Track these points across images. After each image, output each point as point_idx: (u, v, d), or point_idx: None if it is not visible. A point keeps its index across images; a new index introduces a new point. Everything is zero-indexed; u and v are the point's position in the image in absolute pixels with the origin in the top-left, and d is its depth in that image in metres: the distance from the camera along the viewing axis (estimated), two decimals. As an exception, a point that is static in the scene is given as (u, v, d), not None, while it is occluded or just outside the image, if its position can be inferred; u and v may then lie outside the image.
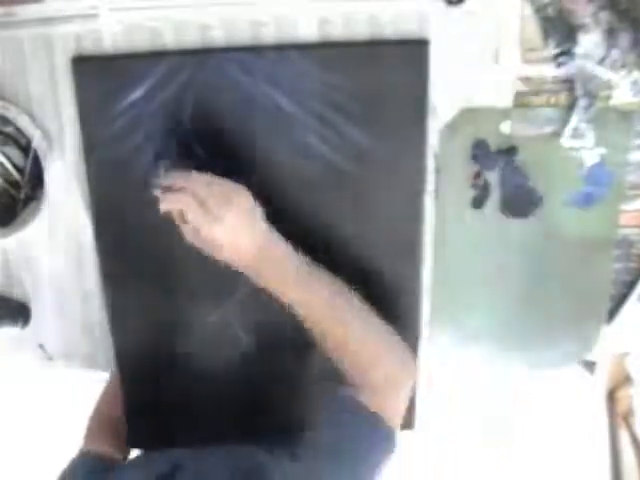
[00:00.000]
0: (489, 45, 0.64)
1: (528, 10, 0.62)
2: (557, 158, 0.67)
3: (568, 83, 0.65)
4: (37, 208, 0.67)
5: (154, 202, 0.67)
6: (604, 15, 0.61)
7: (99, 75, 0.63)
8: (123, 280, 0.70)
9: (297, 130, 0.64)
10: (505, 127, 0.66)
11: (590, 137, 0.66)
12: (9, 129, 0.66)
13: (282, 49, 0.63)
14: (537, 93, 0.66)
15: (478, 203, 0.69)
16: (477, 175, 0.68)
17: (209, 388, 0.74)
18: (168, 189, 0.57)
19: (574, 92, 0.64)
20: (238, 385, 0.74)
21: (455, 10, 0.63)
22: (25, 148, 0.66)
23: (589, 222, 0.70)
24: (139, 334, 0.72)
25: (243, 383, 0.73)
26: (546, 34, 0.63)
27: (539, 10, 0.62)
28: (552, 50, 0.63)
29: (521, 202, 0.69)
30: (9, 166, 0.67)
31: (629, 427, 1.37)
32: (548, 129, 0.67)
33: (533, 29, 0.63)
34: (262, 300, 0.70)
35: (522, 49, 0.64)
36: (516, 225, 0.70)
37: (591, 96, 0.64)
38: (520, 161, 0.67)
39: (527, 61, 0.64)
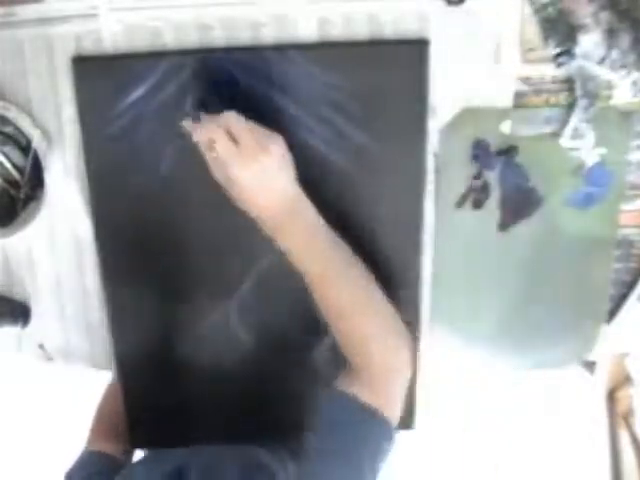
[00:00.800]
0: (489, 45, 0.64)
1: (528, 10, 0.62)
2: (557, 158, 0.67)
3: (568, 83, 0.65)
4: (37, 208, 0.67)
5: (154, 201, 0.67)
6: (604, 15, 0.61)
7: (99, 75, 0.63)
8: (123, 280, 0.70)
9: (297, 130, 0.64)
10: (505, 127, 0.66)
11: (590, 137, 0.66)
12: (9, 129, 0.66)
13: (282, 49, 0.63)
14: (537, 93, 0.66)
15: (478, 203, 0.69)
16: (477, 175, 0.68)
17: (209, 388, 0.74)
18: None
19: (574, 92, 0.64)
20: (238, 385, 0.74)
21: (455, 10, 0.63)
22: (25, 148, 0.66)
23: (589, 222, 0.70)
24: (139, 334, 0.72)
25: (243, 383, 0.73)
26: (546, 34, 0.62)
27: (539, 10, 0.62)
28: (552, 50, 0.63)
29: (521, 202, 0.69)
30: (9, 166, 0.67)
31: (629, 427, 1.37)
32: (548, 129, 0.67)
33: (533, 29, 0.63)
34: (262, 300, 0.70)
35: (522, 49, 0.64)
36: (516, 225, 0.70)
37: (591, 96, 0.64)
38: (520, 161, 0.67)
39: (527, 61, 0.64)
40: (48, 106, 0.65)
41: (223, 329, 0.71)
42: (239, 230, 0.68)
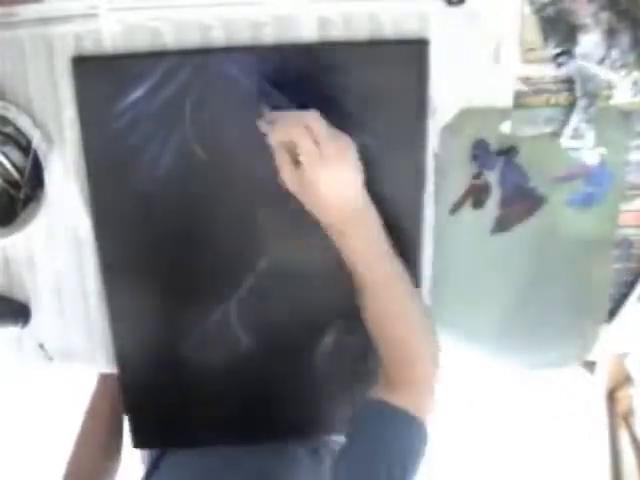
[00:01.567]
0: (489, 45, 0.64)
1: (528, 10, 0.62)
2: (557, 158, 0.67)
3: (568, 83, 0.65)
4: (37, 208, 0.67)
5: (154, 202, 0.67)
6: (604, 15, 0.61)
7: (99, 75, 0.63)
8: (123, 280, 0.70)
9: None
10: (505, 127, 0.66)
11: (590, 137, 0.66)
12: (9, 129, 0.66)
13: (282, 49, 0.63)
14: (537, 93, 0.66)
15: (478, 203, 0.69)
16: (477, 175, 0.68)
17: (209, 388, 0.74)
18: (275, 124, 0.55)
19: (574, 92, 0.64)
20: (238, 385, 0.74)
21: (455, 10, 0.63)
22: (25, 148, 0.66)
23: (589, 222, 0.70)
24: (139, 334, 0.72)
25: (243, 383, 0.73)
26: (546, 34, 0.63)
27: (539, 10, 0.62)
28: (552, 50, 0.63)
29: (521, 202, 0.69)
30: (9, 166, 0.67)
31: (629, 427, 1.37)
32: (548, 129, 0.67)
33: (533, 29, 0.63)
34: (262, 300, 0.70)
35: (522, 49, 0.64)
36: (516, 225, 0.70)
37: (591, 96, 0.64)
38: (520, 161, 0.67)
39: (527, 61, 0.64)
40: (48, 106, 0.65)
41: (223, 329, 0.71)
42: (239, 230, 0.68)
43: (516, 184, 0.68)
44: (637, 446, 1.36)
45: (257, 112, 0.60)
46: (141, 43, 0.64)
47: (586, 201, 0.69)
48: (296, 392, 0.74)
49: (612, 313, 0.75)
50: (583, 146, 0.66)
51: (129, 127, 0.64)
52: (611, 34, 0.62)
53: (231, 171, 0.66)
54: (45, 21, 0.63)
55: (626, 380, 1.31)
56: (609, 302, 0.74)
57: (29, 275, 0.72)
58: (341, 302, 0.70)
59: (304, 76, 0.63)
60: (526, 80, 0.65)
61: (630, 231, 0.71)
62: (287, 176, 0.57)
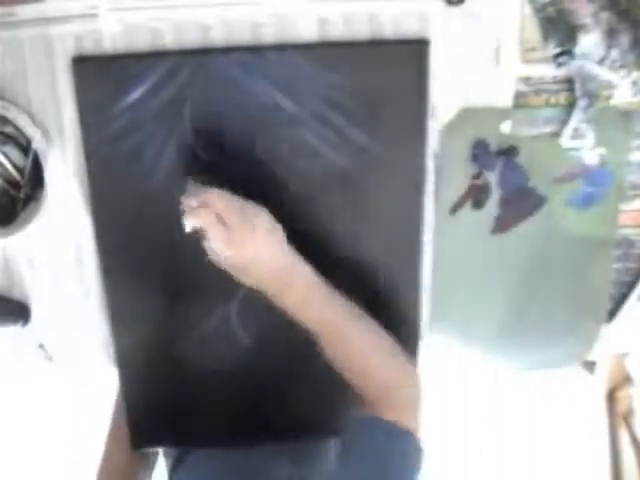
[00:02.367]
0: (489, 45, 0.64)
1: (528, 10, 0.62)
2: (557, 158, 0.67)
3: (568, 83, 0.65)
4: (37, 208, 0.67)
5: (153, 202, 0.67)
6: (604, 15, 0.61)
7: (99, 75, 0.63)
8: (123, 280, 0.70)
9: (297, 130, 0.64)
10: (505, 127, 0.66)
11: (590, 137, 0.66)
12: (9, 129, 0.66)
13: (282, 49, 0.63)
14: (537, 93, 0.66)
15: (478, 203, 0.69)
16: (477, 175, 0.68)
17: (209, 388, 0.74)
18: (191, 206, 0.57)
19: (574, 92, 0.64)
20: (238, 385, 0.74)
21: (455, 10, 0.63)
22: (25, 148, 0.66)
23: (589, 222, 0.70)
24: (139, 334, 0.72)
25: (243, 384, 0.73)
26: (546, 34, 0.63)
27: (539, 10, 0.62)
28: (552, 50, 0.63)
29: (521, 202, 0.69)
30: (9, 166, 0.67)
31: (629, 427, 1.37)
32: (548, 129, 0.67)
33: (533, 29, 0.63)
34: (262, 300, 0.70)
35: (522, 49, 0.64)
36: (516, 225, 0.70)
37: (591, 96, 0.64)
38: (520, 161, 0.67)
39: (527, 61, 0.64)
40: (48, 106, 0.65)
41: (223, 330, 0.71)
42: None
43: (516, 184, 0.68)
44: (637, 446, 1.36)
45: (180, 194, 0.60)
46: (141, 43, 0.64)
47: (586, 201, 0.69)
48: (296, 392, 0.74)
49: (612, 313, 0.75)
50: (583, 146, 0.66)
51: (129, 127, 0.64)
52: (611, 34, 0.62)
53: (231, 171, 0.66)
54: (45, 21, 0.63)
55: (626, 380, 1.31)
56: (609, 302, 0.74)
57: (29, 275, 0.72)
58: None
59: (304, 76, 0.63)
60: (526, 80, 0.65)
61: (630, 231, 0.71)
62: (213, 257, 0.59)
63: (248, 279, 0.60)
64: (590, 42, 0.62)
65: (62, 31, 0.63)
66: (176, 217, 0.68)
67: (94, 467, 0.77)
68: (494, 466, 1.59)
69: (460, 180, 0.68)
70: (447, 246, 0.71)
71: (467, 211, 0.69)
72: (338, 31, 0.63)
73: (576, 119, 0.65)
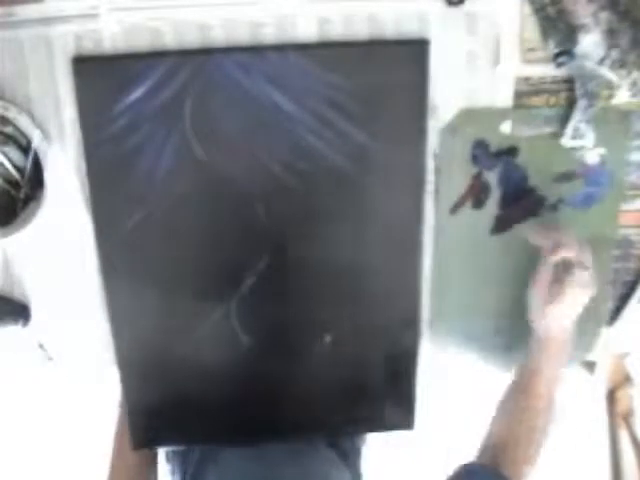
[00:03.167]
0: (489, 45, 0.64)
1: (528, 10, 0.62)
2: (557, 158, 0.67)
3: (568, 83, 0.65)
4: (37, 208, 0.67)
5: (153, 201, 0.67)
6: (604, 15, 0.61)
7: (99, 75, 0.63)
8: (123, 279, 0.70)
9: (297, 130, 0.64)
10: (505, 127, 0.66)
11: (590, 137, 0.66)
12: (9, 129, 0.66)
13: (282, 49, 0.63)
14: (537, 93, 0.66)
15: (478, 203, 0.69)
16: (477, 175, 0.68)
17: (209, 388, 0.74)
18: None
19: (574, 92, 0.64)
20: (238, 385, 0.74)
21: (455, 10, 0.63)
22: (25, 148, 0.66)
23: (589, 222, 0.70)
24: (139, 334, 0.72)
25: (243, 383, 0.73)
26: (546, 34, 0.62)
27: (539, 10, 0.62)
28: (552, 50, 0.63)
29: (521, 202, 0.69)
30: (9, 166, 0.67)
31: (629, 427, 1.37)
32: (548, 129, 0.67)
33: (533, 29, 0.63)
34: (263, 300, 0.70)
35: (522, 49, 0.64)
36: (516, 225, 0.70)
37: (591, 96, 0.64)
38: (520, 161, 0.67)
39: (527, 61, 0.64)
40: (48, 106, 0.65)
41: (223, 329, 0.71)
42: (239, 230, 0.68)
43: (516, 184, 0.68)
44: (637, 446, 1.36)
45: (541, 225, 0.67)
46: (141, 43, 0.64)
47: (586, 201, 0.69)
48: (296, 392, 0.74)
49: (612, 314, 0.75)
50: (583, 146, 0.66)
51: (129, 127, 0.64)
52: (611, 34, 0.62)
53: (231, 171, 0.66)
54: (45, 21, 0.63)
55: (626, 380, 1.31)
56: (609, 302, 0.74)
57: (29, 275, 0.72)
58: (341, 302, 0.70)
59: (304, 76, 0.63)
60: (526, 80, 0.65)
61: (630, 231, 0.71)
62: (541, 289, 0.64)
63: (560, 321, 0.64)
64: (590, 42, 0.62)
65: (62, 31, 0.63)
66: (176, 217, 0.68)
67: (94, 467, 0.77)
68: (494, 466, 1.59)
69: (460, 180, 0.68)
70: (447, 246, 0.71)
71: (467, 211, 0.69)
72: (338, 31, 0.63)
73: (576, 119, 0.65)
